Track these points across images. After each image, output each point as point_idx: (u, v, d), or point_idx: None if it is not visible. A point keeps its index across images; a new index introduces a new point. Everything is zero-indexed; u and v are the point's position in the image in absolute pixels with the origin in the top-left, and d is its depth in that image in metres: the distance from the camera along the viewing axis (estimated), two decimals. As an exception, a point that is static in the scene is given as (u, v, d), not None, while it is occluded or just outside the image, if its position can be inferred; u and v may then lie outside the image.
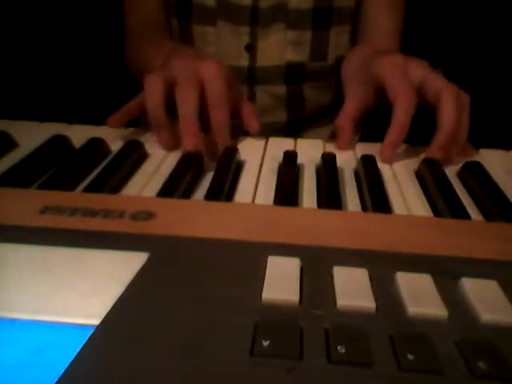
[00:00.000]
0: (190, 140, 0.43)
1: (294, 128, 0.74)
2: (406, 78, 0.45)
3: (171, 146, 0.46)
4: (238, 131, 0.50)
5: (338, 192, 0.38)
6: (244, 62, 0.68)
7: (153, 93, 0.45)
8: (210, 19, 0.67)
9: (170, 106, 0.45)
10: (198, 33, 0.69)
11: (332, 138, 0.75)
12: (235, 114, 0.50)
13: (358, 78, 0.52)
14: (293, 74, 0.70)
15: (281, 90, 0.71)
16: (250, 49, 0.68)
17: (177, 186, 0.38)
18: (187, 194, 0.38)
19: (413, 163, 0.45)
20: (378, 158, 0.44)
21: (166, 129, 0.46)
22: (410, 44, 0.71)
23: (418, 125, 0.46)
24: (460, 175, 0.43)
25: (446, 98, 0.43)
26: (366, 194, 0.38)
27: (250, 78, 0.69)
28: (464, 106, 0.44)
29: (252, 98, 0.71)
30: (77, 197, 0.35)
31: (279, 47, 0.68)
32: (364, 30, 0.71)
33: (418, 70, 0.46)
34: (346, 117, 0.50)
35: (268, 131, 0.72)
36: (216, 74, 0.46)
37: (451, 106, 0.43)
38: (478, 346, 0.21)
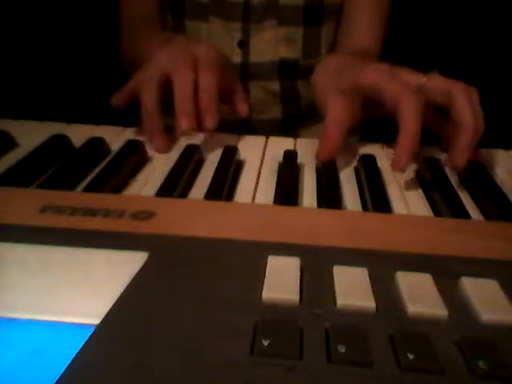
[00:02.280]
0: (184, 120, 0.43)
1: (290, 124, 0.74)
2: (402, 82, 0.41)
3: (165, 150, 0.46)
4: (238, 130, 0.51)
5: (338, 191, 0.38)
6: (237, 58, 0.69)
7: (146, 100, 0.45)
8: (203, 15, 0.68)
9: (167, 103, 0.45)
10: (191, 29, 0.69)
11: None
12: (226, 100, 0.50)
13: (335, 87, 0.45)
14: (286, 70, 0.70)
15: (275, 85, 0.71)
16: (243, 45, 0.68)
17: (177, 182, 0.38)
18: (188, 186, 0.39)
19: (413, 163, 0.45)
20: (378, 158, 0.44)
21: (159, 135, 0.46)
22: (409, 44, 0.71)
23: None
24: (460, 174, 0.43)
25: (458, 95, 0.40)
26: (366, 193, 0.38)
27: (243, 74, 0.70)
28: (476, 100, 0.41)
29: (246, 94, 0.71)
30: (77, 196, 0.35)
31: (271, 44, 0.68)
32: (345, 28, 0.70)
33: (411, 75, 0.43)
34: (331, 122, 0.43)
35: (264, 127, 0.72)
36: (208, 50, 0.47)
37: (467, 103, 0.40)
38: (478, 345, 0.21)
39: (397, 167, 0.39)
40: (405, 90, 0.40)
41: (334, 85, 0.46)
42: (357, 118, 0.45)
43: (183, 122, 0.43)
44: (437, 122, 0.45)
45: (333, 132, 0.43)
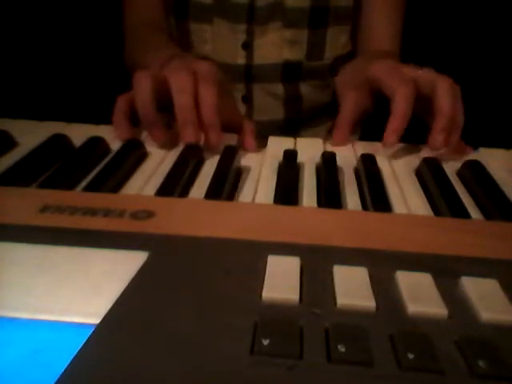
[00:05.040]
0: (189, 132, 0.43)
1: (292, 126, 0.74)
2: (400, 75, 0.47)
3: (166, 143, 0.46)
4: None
5: (338, 191, 0.38)
6: (241, 59, 0.69)
7: (141, 90, 0.44)
8: (207, 17, 0.68)
9: (163, 106, 0.45)
10: (195, 31, 0.69)
11: (330, 133, 0.75)
12: (234, 128, 0.49)
13: (351, 84, 0.53)
14: (290, 72, 0.70)
15: (278, 88, 0.71)
16: (247, 47, 0.68)
17: (177, 182, 0.38)
18: (188, 186, 0.39)
19: (413, 162, 0.45)
20: (378, 157, 0.44)
21: (157, 126, 0.45)
22: (410, 45, 0.71)
23: (417, 124, 0.46)
24: (460, 174, 0.43)
25: (441, 85, 0.45)
26: (366, 192, 0.38)
27: (247, 75, 0.70)
28: (458, 94, 0.46)
29: (249, 96, 0.71)
30: (77, 196, 0.35)
31: (276, 46, 0.68)
32: (364, 31, 0.71)
33: (411, 70, 0.48)
34: (344, 116, 0.51)
35: (266, 129, 0.72)
36: (209, 67, 0.47)
37: (447, 92, 0.45)
38: (478, 345, 0.21)
39: (386, 143, 0.44)
40: (400, 81, 0.46)
41: (350, 82, 0.54)
42: (366, 109, 0.52)
43: (187, 135, 0.43)
44: (425, 108, 0.48)
45: (344, 124, 0.50)
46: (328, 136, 0.73)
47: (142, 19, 0.70)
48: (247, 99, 0.71)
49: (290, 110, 0.73)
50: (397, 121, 0.44)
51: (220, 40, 0.68)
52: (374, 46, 0.69)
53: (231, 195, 0.38)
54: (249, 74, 0.70)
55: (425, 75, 0.47)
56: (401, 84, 0.45)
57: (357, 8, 0.70)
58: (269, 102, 0.72)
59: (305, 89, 0.72)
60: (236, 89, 0.70)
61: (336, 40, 0.70)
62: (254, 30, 0.67)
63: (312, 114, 0.75)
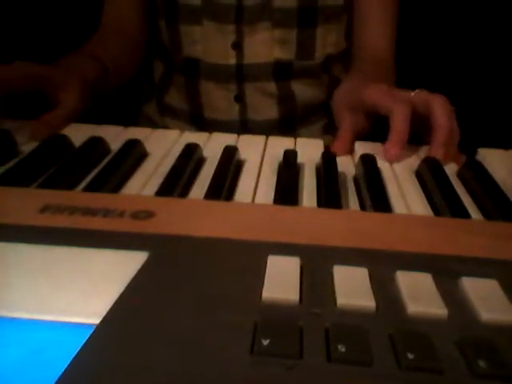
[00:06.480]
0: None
1: (287, 125, 0.74)
2: (394, 97, 0.47)
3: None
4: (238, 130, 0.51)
5: (338, 191, 0.38)
6: (231, 60, 0.69)
7: None
8: (196, 19, 0.68)
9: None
10: (185, 33, 0.70)
11: (327, 132, 0.75)
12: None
13: (347, 105, 0.54)
14: (281, 71, 0.70)
15: (270, 86, 0.71)
16: (237, 47, 0.69)
17: (177, 182, 0.38)
18: (188, 186, 0.39)
19: (413, 163, 0.45)
20: (377, 158, 0.44)
21: None
22: (408, 45, 0.71)
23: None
24: (460, 174, 0.43)
25: (436, 102, 0.45)
26: (365, 193, 0.38)
27: (238, 75, 0.70)
28: (452, 112, 0.46)
29: (242, 95, 0.71)
30: (77, 196, 0.35)
31: (265, 45, 0.69)
32: (357, 31, 0.71)
33: (403, 93, 0.48)
34: (343, 132, 0.50)
35: (261, 128, 0.72)
36: None
37: (443, 108, 0.45)
38: (478, 345, 0.21)
39: (386, 157, 0.45)
40: (396, 100, 0.46)
41: (346, 104, 0.54)
42: (363, 129, 0.52)
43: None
44: (423, 127, 0.48)
45: (341, 143, 0.49)
46: (324, 136, 0.74)
47: (112, 26, 0.71)
48: (240, 99, 0.71)
49: (284, 109, 0.73)
50: (397, 134, 0.45)
51: (210, 41, 0.69)
52: (368, 44, 0.69)
53: (231, 195, 0.38)
54: (240, 74, 0.70)
55: (419, 95, 0.47)
56: (397, 103, 0.46)
57: (350, 7, 0.70)
58: (262, 101, 0.72)
59: (298, 87, 0.72)
60: (228, 89, 0.71)
61: (326, 39, 0.70)
62: (243, 30, 0.68)
63: (307, 112, 0.75)
